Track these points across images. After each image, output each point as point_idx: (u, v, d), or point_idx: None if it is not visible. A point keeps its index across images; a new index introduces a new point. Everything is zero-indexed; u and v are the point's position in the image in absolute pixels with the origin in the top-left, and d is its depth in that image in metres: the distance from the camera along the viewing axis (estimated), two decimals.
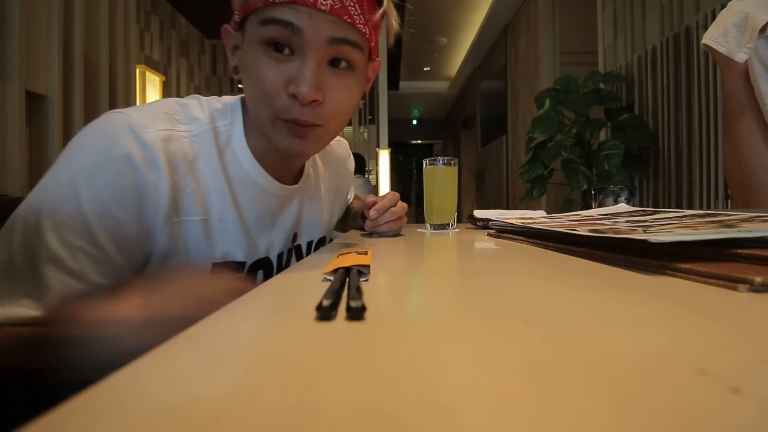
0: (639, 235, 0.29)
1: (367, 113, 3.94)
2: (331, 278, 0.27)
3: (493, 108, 4.41)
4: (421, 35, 4.61)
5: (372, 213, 0.62)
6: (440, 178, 0.79)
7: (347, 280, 0.26)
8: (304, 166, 0.59)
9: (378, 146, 3.27)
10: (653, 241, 0.27)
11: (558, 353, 0.14)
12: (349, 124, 4.07)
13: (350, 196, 0.83)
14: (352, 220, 0.82)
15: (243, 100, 0.50)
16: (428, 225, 0.78)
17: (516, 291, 0.24)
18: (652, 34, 1.85)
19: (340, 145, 0.73)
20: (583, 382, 0.11)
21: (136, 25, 2.06)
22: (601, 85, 1.95)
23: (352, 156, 0.77)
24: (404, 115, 8.23)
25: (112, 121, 0.41)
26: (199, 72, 3.65)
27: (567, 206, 1.94)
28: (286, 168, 0.53)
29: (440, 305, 0.23)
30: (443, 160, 0.79)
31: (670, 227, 0.37)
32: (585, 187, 1.77)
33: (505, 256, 0.42)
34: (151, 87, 2.53)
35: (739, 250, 0.27)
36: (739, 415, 0.10)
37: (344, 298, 0.22)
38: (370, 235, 0.66)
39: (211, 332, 0.18)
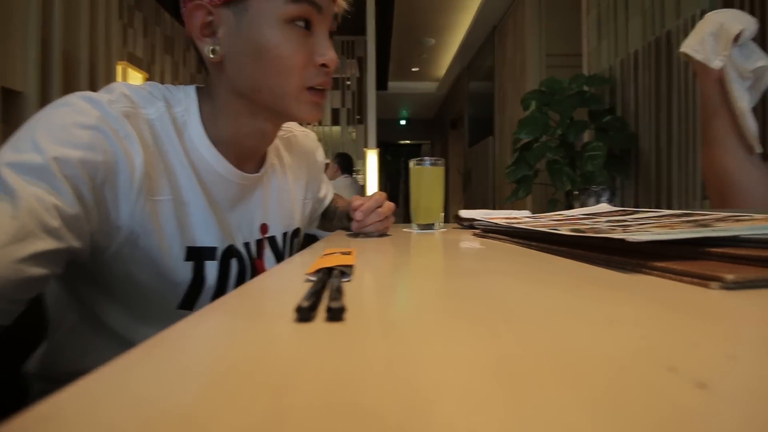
0: (618, 235, 0.30)
1: (356, 113, 3.94)
2: (314, 279, 0.27)
3: (481, 109, 4.45)
4: (409, 36, 4.62)
5: (358, 215, 0.62)
6: (427, 178, 0.79)
7: (329, 281, 0.26)
8: (266, 155, 0.59)
9: (366, 146, 3.26)
10: (631, 240, 0.27)
11: (533, 352, 0.14)
12: (338, 123, 4.07)
13: (326, 190, 0.83)
14: (338, 220, 0.81)
15: (198, 89, 0.50)
16: (414, 225, 0.79)
17: (496, 290, 0.24)
18: (635, 38, 1.89)
19: (307, 137, 0.73)
20: (556, 380, 0.12)
21: (118, 20, 2.02)
22: (585, 88, 1.98)
23: (321, 147, 0.77)
24: (393, 115, 8.24)
25: (75, 97, 0.40)
26: (184, 70, 3.59)
27: (551, 206, 1.97)
28: (246, 155, 0.53)
29: (421, 305, 0.23)
30: (430, 160, 0.80)
31: (648, 227, 0.38)
32: (569, 187, 1.79)
33: (488, 256, 0.42)
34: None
35: (712, 249, 0.28)
36: (703, 410, 0.10)
37: (326, 299, 0.22)
38: (357, 235, 0.66)
39: (183, 336, 0.18)
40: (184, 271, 0.48)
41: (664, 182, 1.69)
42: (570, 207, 1.50)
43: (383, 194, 0.67)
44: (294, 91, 0.46)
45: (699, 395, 0.10)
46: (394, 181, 8.52)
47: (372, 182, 3.01)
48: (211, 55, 0.46)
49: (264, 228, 0.58)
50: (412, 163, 0.80)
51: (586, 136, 2.07)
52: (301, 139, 0.71)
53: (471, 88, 5.07)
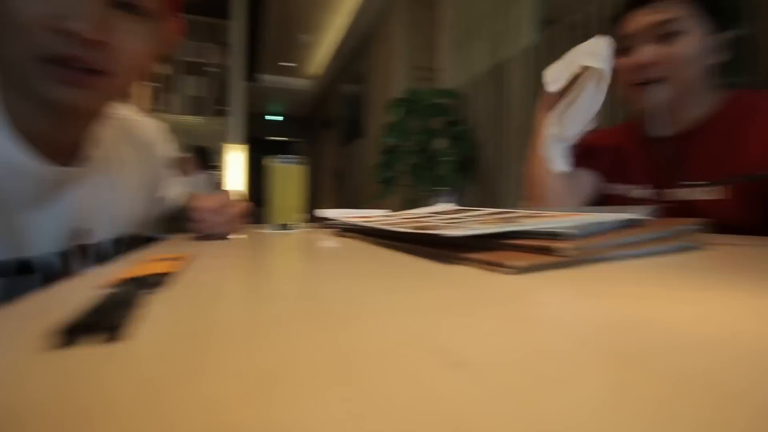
0: (439, 231, 0.33)
1: (220, 103, 3.60)
2: (111, 291, 0.22)
3: (353, 111, 4.57)
4: (285, 30, 4.46)
5: (196, 215, 0.56)
6: (285, 177, 0.76)
7: (130, 293, 0.22)
8: (83, 147, 0.47)
9: (228, 140, 3.02)
10: (445, 235, 0.30)
11: (322, 350, 0.14)
12: (199, 113, 3.65)
13: (169, 190, 0.73)
14: (178, 220, 0.72)
15: None
16: (271, 225, 0.75)
17: (320, 289, 0.24)
18: (480, 61, 2.19)
19: (148, 127, 0.63)
20: (330, 375, 0.11)
21: None
22: (441, 100, 2.22)
23: (165, 139, 0.68)
24: (265, 110, 7.85)
25: None
26: None
27: (412, 205, 2.14)
28: (55, 144, 0.42)
29: (233, 312, 0.21)
30: (289, 157, 0.77)
31: (471, 223, 0.43)
32: (427, 189, 1.98)
33: (333, 254, 0.43)
34: None
35: (510, 241, 0.33)
36: (453, 387, 0.11)
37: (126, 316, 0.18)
38: (203, 237, 0.60)
39: None
40: None
41: (497, 186, 2.00)
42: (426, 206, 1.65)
43: (229, 192, 0.61)
44: (23, 61, 0.34)
45: (452, 375, 0.11)
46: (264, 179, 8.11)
47: (235, 180, 2.80)
48: None
49: (82, 234, 0.47)
50: (267, 161, 0.76)
51: (441, 143, 2.31)
52: (139, 129, 0.61)
53: (344, 90, 5.17)
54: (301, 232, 0.71)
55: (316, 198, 6.83)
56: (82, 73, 0.36)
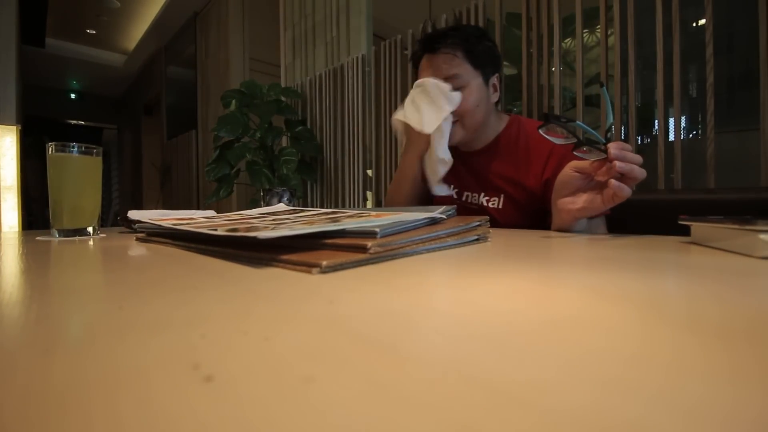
0: (255, 233, 0.31)
1: None
2: None
3: (182, 98, 4.04)
4: None
5: None
6: (76, 171, 0.62)
7: None
8: None
9: None
10: (258, 237, 0.29)
11: (65, 382, 0.11)
12: None
13: None
14: None
15: None
16: (55, 231, 0.60)
17: (86, 306, 0.20)
18: (320, 63, 2.22)
19: None
20: (78, 404, 0.09)
21: None
22: (282, 98, 2.16)
23: None
24: (60, 85, 6.20)
25: None
26: None
27: (253, 205, 2.03)
28: None
29: None
30: (79, 147, 0.63)
31: (295, 224, 0.43)
32: (267, 187, 1.90)
33: (125, 265, 0.36)
34: None
35: (328, 240, 0.35)
36: (204, 403, 0.10)
37: None
38: None
39: None
40: None
41: (340, 186, 2.07)
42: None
43: None
44: None
45: (204, 389, 0.11)
46: None
47: (5, 172, 2.13)
48: None
49: None
50: (50, 149, 0.60)
51: (283, 141, 2.25)
52: None
53: (170, 72, 4.52)
54: (94, 239, 0.58)
55: (135, 198, 5.76)
56: None
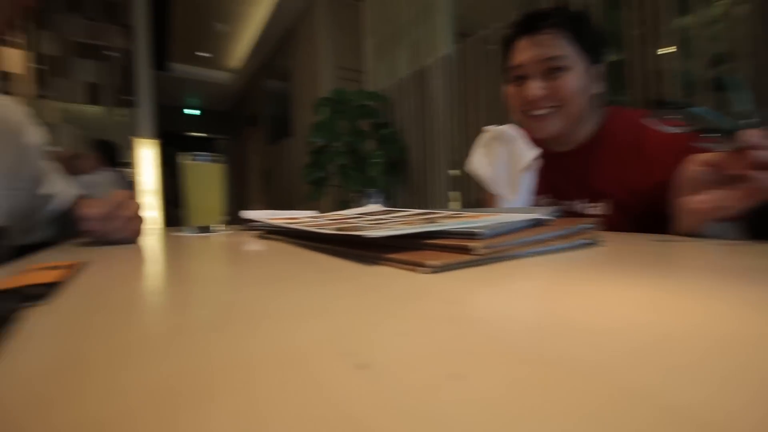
0: (360, 231, 0.33)
1: (124, 92, 3.23)
2: None
3: (279, 109, 4.42)
4: (196, 16, 4.15)
5: (88, 225, 0.50)
6: (203, 176, 0.71)
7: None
8: None
9: (139, 134, 2.73)
10: (366, 236, 0.31)
11: (226, 357, 0.13)
12: (98, 102, 3.23)
13: (57, 188, 0.65)
14: (65, 225, 0.64)
15: None
16: (188, 227, 0.70)
17: (231, 293, 0.23)
18: (403, 66, 2.25)
19: (8, 109, 0.57)
20: (238, 384, 0.11)
21: None
22: (368, 102, 2.24)
23: (33, 124, 0.61)
24: (182, 103, 7.24)
25: None
26: None
27: (343, 207, 2.13)
28: None
29: (129, 324, 0.19)
30: (207, 155, 0.72)
31: (394, 224, 0.44)
32: (357, 189, 1.99)
33: (253, 257, 0.41)
34: None
35: (429, 241, 0.35)
36: (357, 389, 0.11)
37: None
38: (100, 242, 0.53)
39: None
40: None
41: (425, 187, 2.08)
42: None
43: (124, 193, 0.56)
44: None
45: (357, 376, 0.12)
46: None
47: (147, 178, 2.55)
48: None
49: None
50: (183, 158, 0.71)
51: (370, 144, 2.34)
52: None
53: (269, 86, 4.97)
54: (221, 235, 0.66)
55: (242, 199, 6.47)
56: None
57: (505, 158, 0.77)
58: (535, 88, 0.74)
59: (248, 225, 0.78)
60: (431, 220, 0.45)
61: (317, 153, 2.17)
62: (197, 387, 0.11)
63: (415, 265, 0.28)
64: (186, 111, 7.48)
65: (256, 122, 5.79)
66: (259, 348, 0.14)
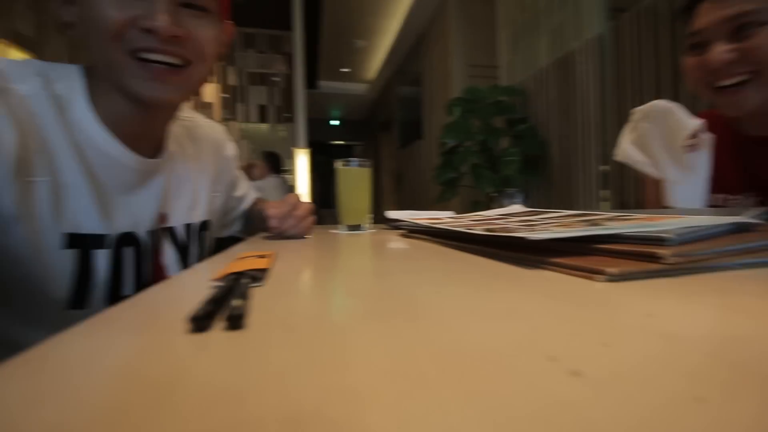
0: (521, 233, 0.32)
1: (285, 111, 3.82)
2: (220, 285, 0.25)
3: (410, 113, 4.58)
4: (340, 37, 4.61)
5: (272, 222, 0.60)
6: (353, 179, 0.79)
7: (236, 286, 0.24)
8: (164, 140, 0.55)
9: (296, 145, 3.18)
10: (530, 238, 0.29)
11: (431, 350, 0.14)
12: (266, 120, 3.89)
13: (245, 190, 0.80)
14: (260, 222, 0.78)
15: (85, 69, 0.46)
16: (342, 226, 0.78)
17: (409, 289, 0.24)
18: (543, 55, 2.08)
19: (212, 127, 0.70)
20: (446, 378, 0.12)
21: None
22: (502, 98, 2.14)
23: (230, 141, 0.75)
24: (325, 115, 8.15)
25: None
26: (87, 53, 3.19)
27: (475, 207, 2.09)
28: (138, 138, 0.49)
29: (330, 307, 0.22)
30: (357, 160, 0.80)
31: (549, 226, 0.41)
32: (490, 189, 1.92)
33: (407, 256, 0.43)
34: None
35: (600, 245, 0.32)
36: (576, 397, 0.10)
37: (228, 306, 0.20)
38: (278, 237, 0.64)
39: (58, 350, 0.15)
40: (64, 260, 0.43)
41: (569, 185, 1.88)
42: (489, 208, 1.61)
43: (297, 196, 0.65)
44: (117, 58, 0.41)
45: (573, 383, 0.11)
46: (325, 181, 8.43)
47: (302, 183, 2.94)
48: (65, 30, 0.44)
49: (162, 218, 0.54)
50: (338, 164, 0.79)
51: (504, 142, 2.23)
52: (205, 130, 0.68)
53: (400, 92, 5.20)
54: (369, 233, 0.72)
55: (376, 200, 6.95)
56: (166, 69, 0.43)
57: (660, 135, 0.64)
58: (721, 51, 0.58)
59: (392, 224, 0.84)
60: (594, 223, 0.40)
61: (449, 153, 2.17)
62: (418, 373, 0.12)
63: (590, 272, 0.26)
64: (331, 122, 8.38)
65: (389, 127, 6.12)
66: (462, 344, 0.15)
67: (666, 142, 0.64)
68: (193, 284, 0.29)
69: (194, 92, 0.50)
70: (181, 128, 0.61)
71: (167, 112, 0.53)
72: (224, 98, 3.91)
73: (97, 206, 0.45)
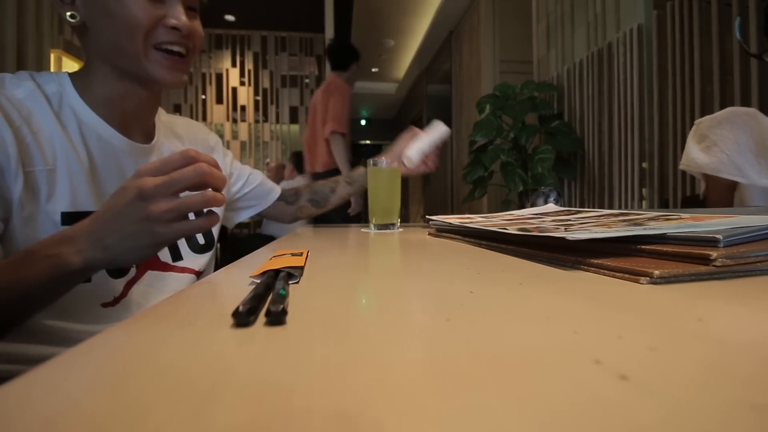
0: (559, 233, 0.31)
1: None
2: (258, 282, 0.26)
3: (439, 111, 4.54)
4: (369, 36, 4.62)
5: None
6: (384, 179, 0.79)
7: (274, 283, 0.25)
8: (154, 127, 0.61)
9: None
10: (570, 238, 0.28)
11: (471, 350, 0.14)
12: (296, 122, 3.97)
13: (249, 170, 0.82)
14: (332, 195, 0.89)
15: (69, 75, 0.53)
16: (372, 225, 0.78)
17: (444, 288, 0.24)
18: (580, 48, 2.01)
19: (191, 123, 0.73)
20: (489, 378, 0.12)
21: (50, 5, 1.86)
22: (536, 94, 2.08)
23: (213, 133, 0.78)
24: (353, 115, 8.22)
25: None
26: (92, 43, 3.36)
27: (505, 206, 2.05)
28: (129, 121, 0.55)
29: (366, 305, 0.22)
30: (387, 160, 0.80)
31: (588, 225, 0.40)
32: (521, 188, 1.87)
33: (440, 255, 0.43)
34: None
35: (643, 246, 0.30)
36: (624, 401, 0.10)
37: (268, 302, 0.21)
38: (316, 230, 0.65)
39: (110, 343, 0.16)
40: None
41: (606, 183, 1.81)
42: (521, 207, 1.56)
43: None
44: (143, 50, 0.50)
45: (621, 387, 0.11)
46: None
47: None
48: (71, 20, 0.49)
49: None
50: (369, 164, 0.80)
51: (537, 139, 2.17)
52: (183, 126, 0.71)
53: (429, 90, 5.16)
54: (400, 232, 0.73)
55: (403, 199, 6.94)
56: (178, 58, 0.52)
57: (744, 140, 0.62)
58: None
59: (427, 223, 0.83)
60: (637, 222, 0.39)
61: (478, 151, 2.14)
62: (465, 369, 0.12)
63: (633, 274, 0.25)
64: (361, 122, 8.45)
65: (418, 126, 6.09)
66: (502, 345, 0.15)
67: (754, 146, 0.64)
68: (233, 281, 0.30)
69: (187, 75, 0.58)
70: (163, 126, 0.65)
71: (157, 97, 0.59)
72: (256, 101, 4.03)
73: (91, 186, 0.50)
